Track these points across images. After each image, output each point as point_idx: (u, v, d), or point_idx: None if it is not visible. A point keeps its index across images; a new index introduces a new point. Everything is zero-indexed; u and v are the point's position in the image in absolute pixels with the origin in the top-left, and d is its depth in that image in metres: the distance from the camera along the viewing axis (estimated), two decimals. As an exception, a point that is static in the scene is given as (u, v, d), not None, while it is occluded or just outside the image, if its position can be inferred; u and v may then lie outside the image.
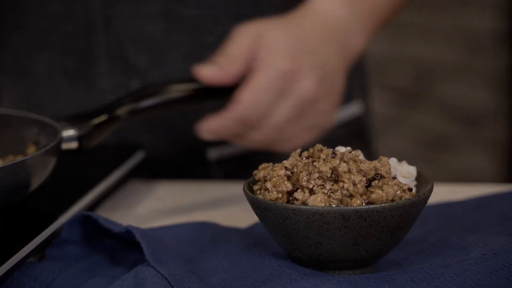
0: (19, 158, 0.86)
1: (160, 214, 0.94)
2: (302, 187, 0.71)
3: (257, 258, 0.75)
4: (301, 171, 0.71)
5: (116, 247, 0.80)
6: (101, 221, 0.78)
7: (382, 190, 0.70)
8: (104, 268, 0.77)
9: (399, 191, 0.71)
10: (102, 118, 0.91)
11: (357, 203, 0.69)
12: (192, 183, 1.05)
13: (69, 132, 0.87)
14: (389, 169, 0.72)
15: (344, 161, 0.72)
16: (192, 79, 0.96)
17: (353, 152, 0.74)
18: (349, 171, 0.71)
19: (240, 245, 0.79)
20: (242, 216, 0.87)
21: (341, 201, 0.70)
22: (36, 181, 0.81)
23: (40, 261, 0.77)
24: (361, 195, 0.70)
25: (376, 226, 0.69)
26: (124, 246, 0.79)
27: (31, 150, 0.89)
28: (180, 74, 1.05)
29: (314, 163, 0.72)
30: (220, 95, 1.02)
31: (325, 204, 0.70)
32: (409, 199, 0.70)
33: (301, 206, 0.69)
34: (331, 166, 0.71)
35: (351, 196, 0.70)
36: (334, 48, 0.95)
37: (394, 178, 0.73)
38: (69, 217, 0.83)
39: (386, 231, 0.70)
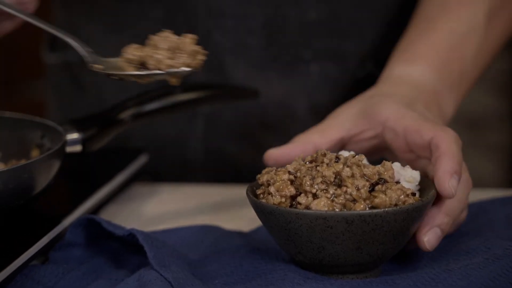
0: (23, 161, 0.86)
1: (163, 217, 0.94)
2: (305, 192, 0.71)
3: (260, 262, 0.75)
4: (304, 176, 0.71)
5: (119, 250, 0.80)
6: (105, 224, 0.78)
7: (386, 194, 0.70)
8: (107, 271, 0.77)
9: (402, 196, 0.71)
10: (106, 121, 0.91)
11: (360, 207, 0.69)
12: (195, 187, 1.05)
13: (73, 135, 0.87)
14: (393, 173, 0.72)
15: (348, 166, 0.72)
16: (195, 84, 0.97)
17: (356, 156, 0.74)
18: (353, 176, 0.71)
19: (243, 249, 0.79)
20: (245, 220, 0.87)
21: (344, 205, 0.70)
22: (40, 184, 0.81)
23: (44, 264, 0.77)
24: (364, 200, 0.70)
25: (379, 231, 0.69)
26: (128, 249, 0.79)
27: (35, 153, 0.89)
28: (275, 88, 1.06)
29: (318, 167, 0.72)
30: (228, 99, 1.03)
31: (328, 208, 0.70)
32: (412, 203, 0.70)
33: (304, 210, 0.69)
34: (335, 171, 0.71)
35: (354, 200, 0.70)
36: (437, 112, 0.89)
37: (398, 182, 0.73)
38: (72, 220, 0.83)
39: (389, 236, 0.70)
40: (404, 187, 0.72)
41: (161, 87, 0.97)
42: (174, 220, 0.92)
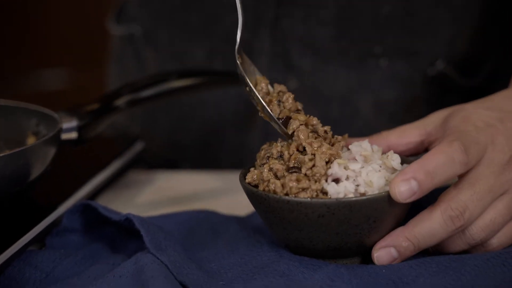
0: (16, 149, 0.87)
1: (160, 203, 0.95)
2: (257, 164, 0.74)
3: (256, 245, 0.76)
4: (263, 149, 0.75)
5: (116, 235, 0.80)
6: (101, 210, 0.78)
7: (280, 182, 0.71)
8: (104, 256, 0.78)
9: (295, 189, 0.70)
10: (102, 108, 0.91)
11: (261, 187, 0.72)
12: (191, 173, 1.05)
13: (69, 123, 0.88)
14: (321, 169, 0.71)
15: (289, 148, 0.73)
16: (190, 70, 0.97)
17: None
18: (279, 157, 0.73)
19: (239, 233, 0.79)
20: (241, 205, 0.87)
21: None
22: (36, 171, 0.82)
23: (41, 250, 0.78)
24: (268, 181, 0.71)
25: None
26: (124, 234, 0.80)
27: (31, 140, 0.89)
28: (340, 81, 1.05)
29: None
30: (222, 85, 1.03)
31: (251, 179, 0.72)
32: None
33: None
34: (280, 149, 0.73)
35: (262, 179, 0.72)
36: None
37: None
38: (69, 206, 0.83)
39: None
40: (315, 184, 0.71)
41: (156, 74, 0.98)
42: (171, 206, 0.93)
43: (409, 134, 0.78)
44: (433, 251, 0.74)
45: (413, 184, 0.69)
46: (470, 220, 0.71)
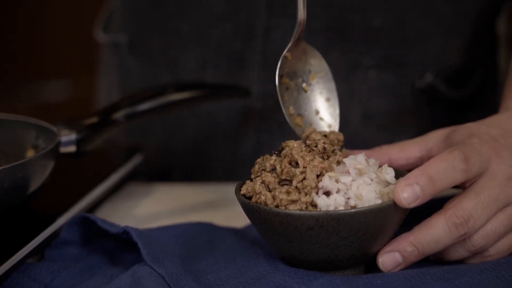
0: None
1: (158, 215, 0.95)
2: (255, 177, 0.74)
3: (252, 257, 0.76)
4: (257, 163, 0.75)
5: (114, 248, 0.81)
6: (99, 222, 0.79)
7: (271, 193, 0.72)
8: (102, 268, 0.78)
9: (287, 202, 0.71)
10: (100, 122, 0.92)
11: (254, 199, 0.72)
12: (189, 185, 1.05)
13: (67, 136, 0.88)
14: (312, 182, 0.72)
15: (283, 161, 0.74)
16: (188, 84, 0.97)
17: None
18: (273, 171, 0.74)
19: (236, 245, 0.80)
20: (238, 217, 0.88)
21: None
22: (35, 184, 0.82)
23: (39, 262, 0.78)
24: (260, 193, 0.72)
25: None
26: (122, 247, 0.80)
27: (30, 153, 0.89)
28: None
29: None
30: (220, 98, 1.03)
31: (246, 191, 0.73)
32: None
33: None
34: (273, 162, 0.74)
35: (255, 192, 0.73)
36: None
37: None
38: (68, 219, 0.84)
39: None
40: (304, 197, 0.71)
41: (153, 87, 0.98)
42: (169, 218, 0.93)
43: (409, 149, 0.80)
44: (434, 259, 0.74)
45: (416, 188, 0.71)
46: (473, 228, 0.72)
